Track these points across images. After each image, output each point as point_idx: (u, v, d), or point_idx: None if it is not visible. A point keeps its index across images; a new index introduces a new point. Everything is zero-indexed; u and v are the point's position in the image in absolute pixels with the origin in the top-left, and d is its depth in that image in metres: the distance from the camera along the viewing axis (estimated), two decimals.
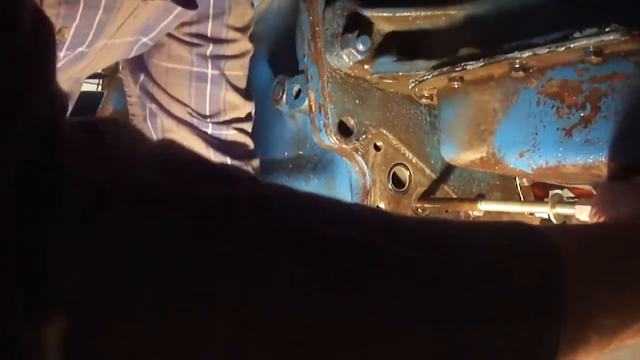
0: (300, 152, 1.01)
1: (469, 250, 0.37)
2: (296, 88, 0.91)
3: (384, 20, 0.77)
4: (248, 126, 0.99)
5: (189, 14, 0.86)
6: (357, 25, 0.75)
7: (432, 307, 0.33)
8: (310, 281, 0.30)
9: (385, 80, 0.79)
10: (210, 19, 0.91)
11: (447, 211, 0.85)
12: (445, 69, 0.69)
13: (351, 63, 0.77)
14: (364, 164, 0.80)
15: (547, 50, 0.59)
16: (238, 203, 0.31)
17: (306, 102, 0.85)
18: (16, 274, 0.24)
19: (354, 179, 0.83)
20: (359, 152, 0.80)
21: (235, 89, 0.96)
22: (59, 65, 0.73)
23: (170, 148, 0.34)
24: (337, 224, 0.34)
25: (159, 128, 0.96)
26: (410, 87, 0.77)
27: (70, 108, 0.95)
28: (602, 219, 0.50)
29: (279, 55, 1.05)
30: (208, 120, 0.95)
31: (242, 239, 0.29)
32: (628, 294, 0.40)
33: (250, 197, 0.31)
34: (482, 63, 0.65)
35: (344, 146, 0.79)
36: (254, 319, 0.28)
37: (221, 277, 0.28)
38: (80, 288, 0.25)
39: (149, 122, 0.97)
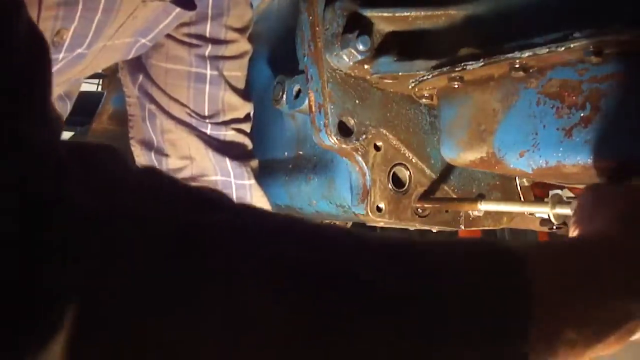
0: (300, 152, 1.01)
1: (444, 274, 0.38)
2: (296, 88, 0.91)
3: (384, 20, 0.76)
4: (247, 127, 0.99)
5: (188, 15, 0.86)
6: (357, 25, 0.75)
7: (407, 329, 0.35)
8: (294, 321, 0.31)
9: (385, 80, 0.79)
10: (209, 20, 0.91)
11: (447, 211, 0.85)
12: (445, 69, 0.69)
13: (351, 63, 0.77)
14: (364, 164, 0.80)
15: (547, 50, 0.59)
16: (219, 232, 0.32)
17: (306, 102, 0.85)
18: (16, 297, 0.25)
19: (354, 179, 0.82)
20: (359, 152, 0.80)
21: (234, 89, 0.96)
22: (58, 66, 0.73)
23: (154, 176, 0.36)
24: (317, 251, 0.35)
25: (157, 128, 0.96)
26: (410, 87, 0.77)
27: (69, 108, 0.95)
28: (577, 232, 0.51)
29: (279, 55, 1.05)
30: (207, 120, 0.95)
31: (223, 273, 0.30)
32: (595, 309, 0.41)
33: (229, 226, 0.33)
34: (482, 63, 0.64)
35: (344, 146, 0.79)
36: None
37: (205, 316, 0.29)
38: (80, 309, 0.26)
39: (147, 122, 0.97)
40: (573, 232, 0.52)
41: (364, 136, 0.80)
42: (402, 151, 0.83)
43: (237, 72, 0.96)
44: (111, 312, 0.27)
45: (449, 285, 0.37)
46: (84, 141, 0.44)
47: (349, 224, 1.49)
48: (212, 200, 0.35)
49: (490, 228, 0.90)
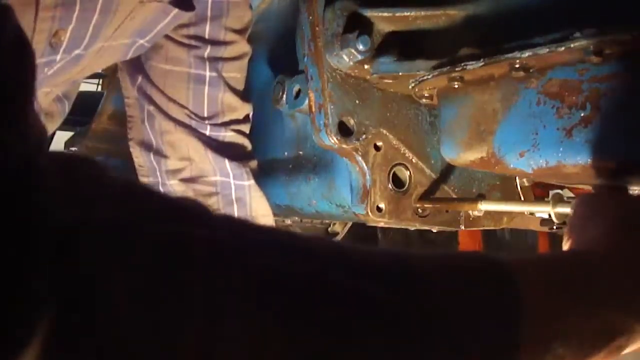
0: (300, 152, 1.00)
1: (435, 289, 0.38)
2: (296, 88, 0.91)
3: (384, 20, 0.76)
4: (246, 128, 0.99)
5: (187, 16, 0.86)
6: (357, 25, 0.75)
7: (386, 343, 0.34)
8: (272, 331, 0.31)
9: (385, 80, 0.79)
10: (208, 21, 0.91)
11: (447, 211, 0.85)
12: (445, 69, 0.69)
13: (351, 63, 0.77)
14: (364, 164, 0.80)
15: (547, 50, 0.58)
16: (197, 244, 0.32)
17: (306, 102, 0.85)
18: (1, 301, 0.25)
19: (354, 179, 0.82)
20: (359, 152, 0.80)
21: (233, 90, 0.96)
22: (55, 68, 0.73)
23: (135, 187, 0.36)
24: (300, 262, 0.35)
25: (157, 129, 0.96)
26: (410, 87, 0.77)
27: (68, 109, 0.95)
28: (569, 243, 0.51)
29: (279, 56, 1.05)
30: (206, 122, 0.95)
31: (201, 285, 0.30)
32: (584, 325, 0.41)
33: (210, 237, 0.33)
34: (482, 63, 0.64)
35: (344, 146, 0.79)
36: None
37: (183, 328, 0.29)
38: (65, 316, 0.26)
39: (146, 123, 0.97)
40: (566, 243, 0.52)
41: (364, 136, 0.80)
42: (402, 151, 0.83)
43: (236, 74, 0.96)
44: (97, 319, 0.27)
45: (440, 300, 0.37)
46: (67, 152, 0.44)
47: (349, 224, 1.50)
48: (194, 212, 0.36)
49: (491, 228, 0.90)
